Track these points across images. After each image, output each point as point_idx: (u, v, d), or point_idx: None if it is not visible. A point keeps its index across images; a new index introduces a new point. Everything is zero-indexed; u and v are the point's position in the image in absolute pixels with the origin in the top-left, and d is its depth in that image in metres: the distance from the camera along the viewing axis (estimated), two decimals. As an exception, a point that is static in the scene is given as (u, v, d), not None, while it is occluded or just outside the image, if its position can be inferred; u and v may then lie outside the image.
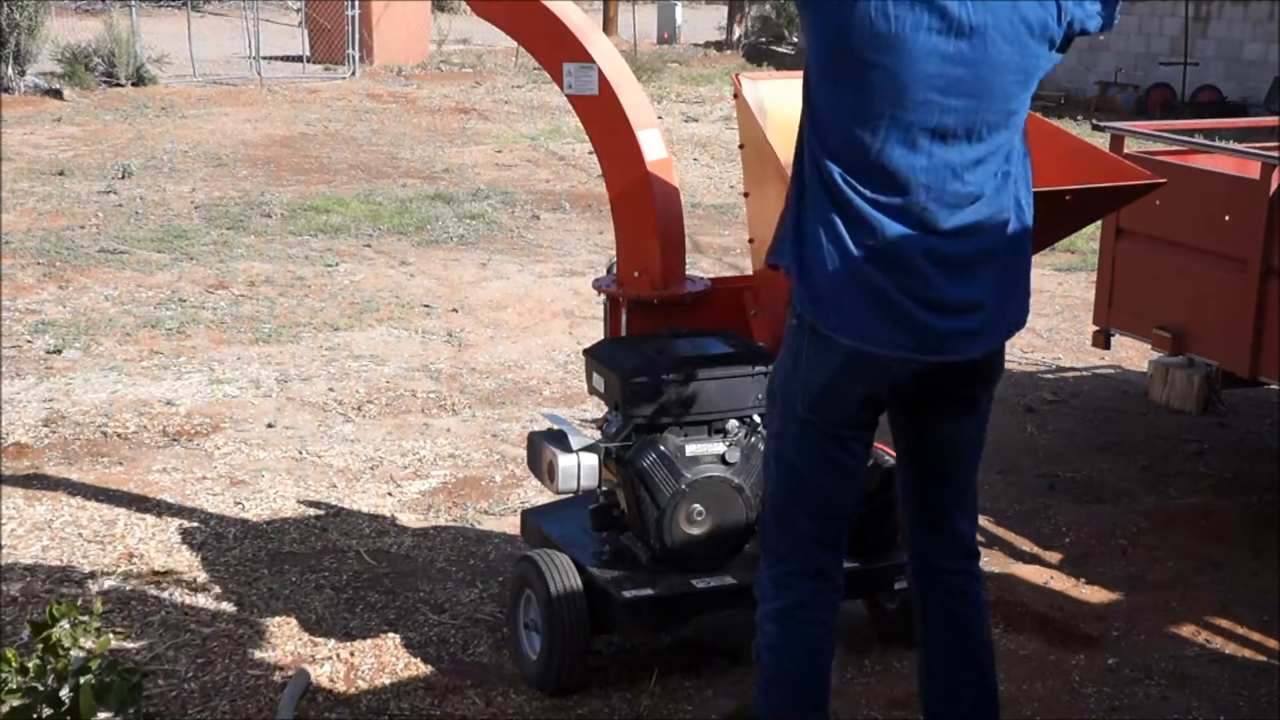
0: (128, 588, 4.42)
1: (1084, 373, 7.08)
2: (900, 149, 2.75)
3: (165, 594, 4.39)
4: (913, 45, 2.70)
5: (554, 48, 4.01)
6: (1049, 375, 7.01)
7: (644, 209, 4.02)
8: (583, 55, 3.97)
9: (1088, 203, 3.60)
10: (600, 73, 3.96)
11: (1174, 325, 5.54)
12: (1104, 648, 4.21)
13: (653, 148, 4.01)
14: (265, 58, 19.46)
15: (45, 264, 8.59)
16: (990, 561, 4.68)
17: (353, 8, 19.81)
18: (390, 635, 4.16)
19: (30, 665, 2.76)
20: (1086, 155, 3.77)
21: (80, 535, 4.80)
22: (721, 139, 14.58)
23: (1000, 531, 5.05)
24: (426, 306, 7.94)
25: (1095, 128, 7.05)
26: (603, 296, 4.19)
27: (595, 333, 5.02)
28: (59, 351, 6.88)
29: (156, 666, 3.93)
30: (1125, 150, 5.71)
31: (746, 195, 4.11)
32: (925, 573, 3.14)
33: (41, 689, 2.75)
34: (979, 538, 3.20)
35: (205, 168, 12.30)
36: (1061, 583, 4.65)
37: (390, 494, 5.27)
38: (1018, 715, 3.77)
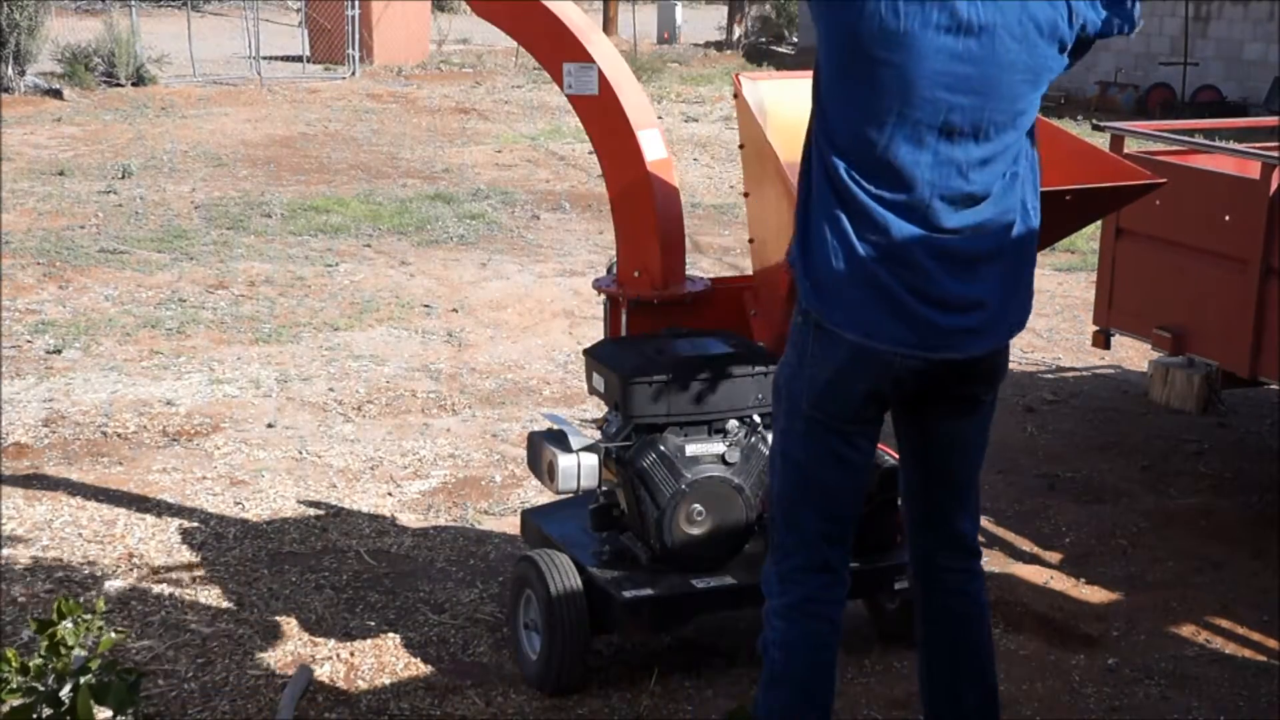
0: (128, 588, 4.42)
1: (1084, 373, 7.08)
2: (906, 146, 2.76)
3: (165, 594, 4.39)
4: (921, 42, 2.71)
5: (554, 48, 4.02)
6: (1049, 375, 7.02)
7: (644, 209, 4.02)
8: (583, 55, 3.97)
9: (1088, 203, 3.60)
10: (600, 73, 3.97)
11: (1174, 325, 5.54)
12: (1104, 648, 4.21)
13: (653, 148, 4.01)
14: (265, 58, 19.46)
15: (45, 264, 8.59)
16: (990, 561, 4.68)
17: (353, 8, 19.81)
18: (390, 635, 4.16)
19: (31, 665, 2.76)
20: (1086, 155, 3.77)
21: (80, 535, 4.80)
22: (721, 139, 14.58)
23: (1000, 531, 5.05)
24: (426, 306, 7.94)
25: (1095, 128, 7.05)
26: (603, 296, 4.19)
27: (595, 333, 5.02)
28: (59, 351, 6.88)
29: (156, 666, 3.93)
30: (1125, 150, 5.71)
31: (746, 195, 4.11)
32: (927, 572, 3.15)
33: (42, 689, 2.75)
34: (979, 538, 3.20)
35: (205, 168, 12.30)
36: (1061, 583, 4.65)
37: (390, 494, 5.27)
38: (1018, 715, 3.77)
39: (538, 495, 5.07)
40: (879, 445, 3.10)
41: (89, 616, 2.84)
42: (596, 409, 4.74)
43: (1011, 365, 3.25)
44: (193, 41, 18.92)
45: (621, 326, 4.10)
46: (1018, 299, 2.93)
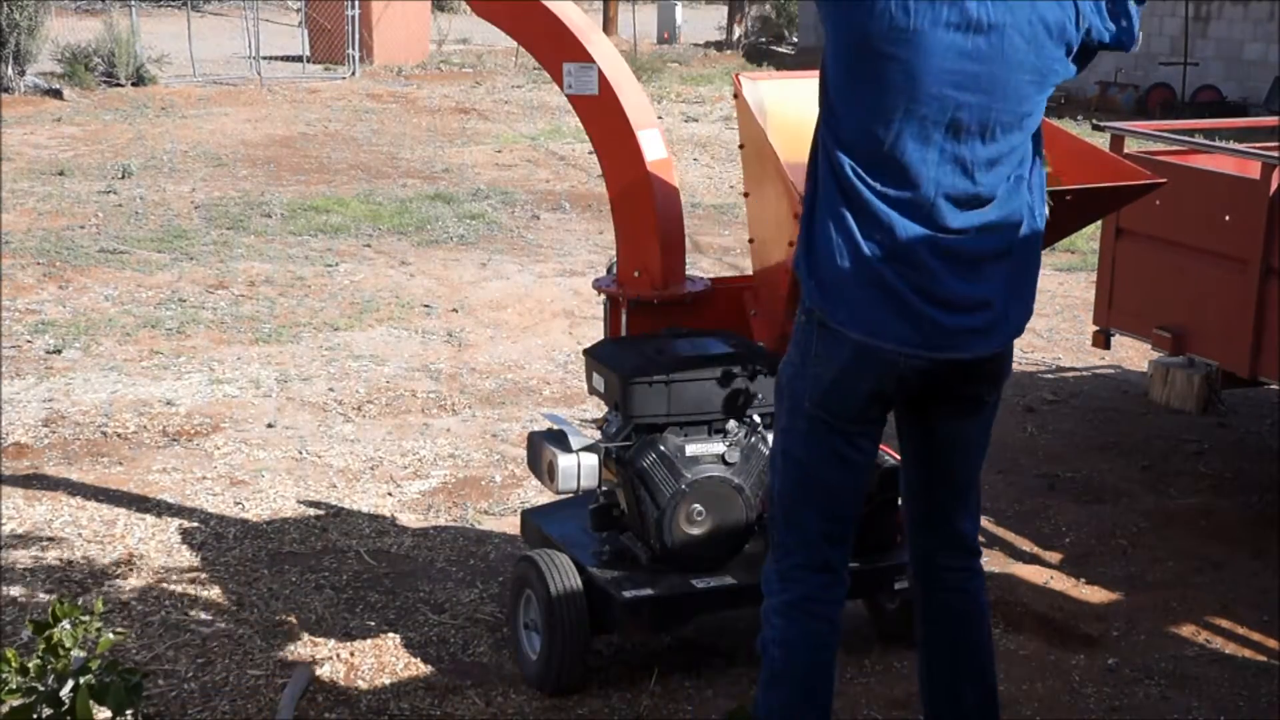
0: (128, 588, 4.42)
1: (1084, 373, 7.08)
2: (914, 143, 2.77)
3: (165, 594, 4.39)
4: (930, 40, 2.72)
5: (554, 48, 4.02)
6: (1049, 375, 7.01)
7: (644, 209, 4.02)
8: (583, 55, 3.97)
9: (1088, 203, 3.60)
10: (600, 73, 3.97)
11: (1174, 325, 5.54)
12: (1104, 648, 4.21)
13: (653, 148, 4.01)
14: (265, 58, 19.46)
15: (45, 264, 8.59)
16: (990, 561, 4.68)
17: (353, 8, 19.80)
18: (390, 635, 4.16)
19: (30, 665, 2.76)
20: (1086, 155, 3.77)
21: (80, 535, 4.80)
22: (721, 139, 14.58)
23: (1000, 531, 5.05)
24: (426, 306, 7.94)
25: (1095, 128, 7.05)
26: (603, 296, 4.19)
27: (595, 333, 5.02)
28: (59, 351, 6.88)
29: (156, 666, 3.93)
30: (1125, 150, 5.71)
31: (746, 195, 4.11)
32: (927, 571, 3.15)
33: (42, 689, 2.75)
34: (979, 537, 3.21)
35: (205, 168, 12.30)
36: (1061, 583, 4.65)
37: (390, 494, 5.27)
38: (1018, 715, 3.77)
39: (538, 495, 5.07)
40: (880, 445, 3.11)
41: (87, 618, 2.84)
42: (596, 409, 4.74)
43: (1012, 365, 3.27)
44: (193, 41, 18.91)
45: (621, 326, 4.10)
46: (1021, 300, 2.94)
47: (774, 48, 25.51)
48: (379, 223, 10.16)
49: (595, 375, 3.96)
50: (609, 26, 25.44)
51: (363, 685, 3.89)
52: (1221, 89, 17.91)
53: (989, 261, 2.84)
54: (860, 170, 2.80)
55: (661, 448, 3.73)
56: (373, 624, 4.23)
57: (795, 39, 25.76)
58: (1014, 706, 3.78)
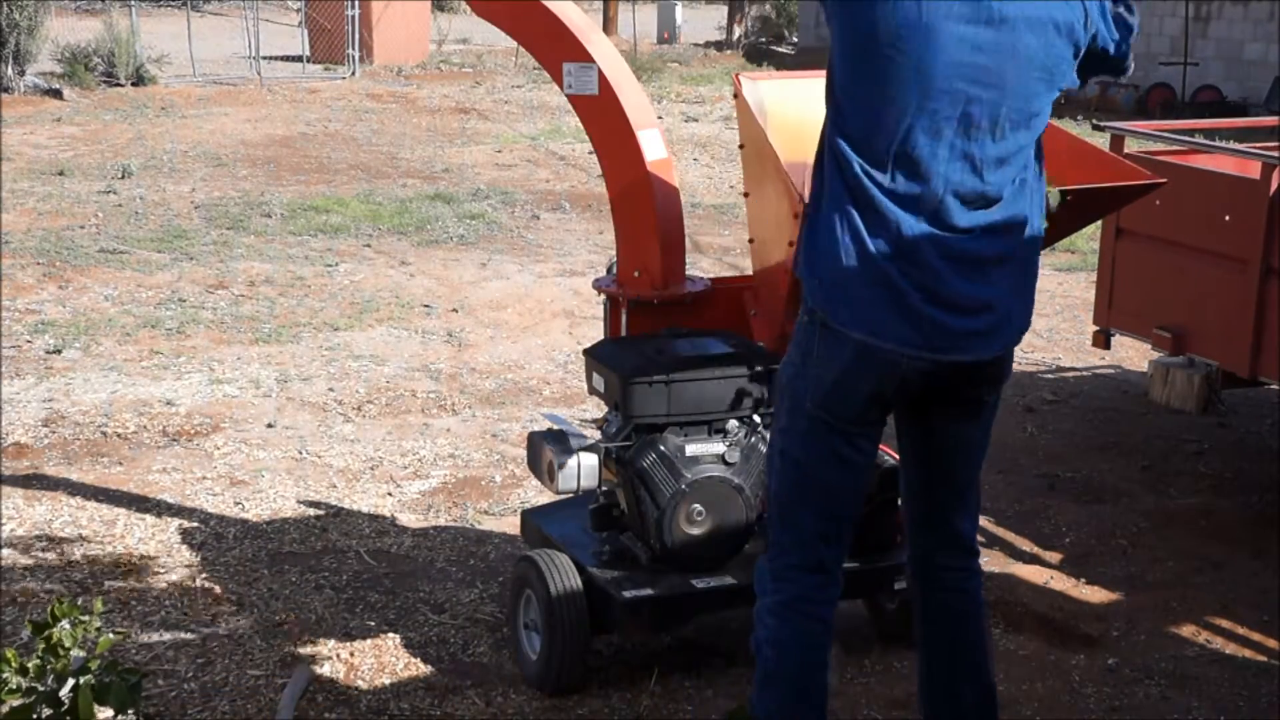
0: (127, 588, 4.42)
1: (1084, 373, 7.08)
2: (925, 137, 2.76)
3: (165, 594, 4.39)
4: (941, 34, 2.72)
5: (554, 48, 4.01)
6: (1049, 375, 7.01)
7: (644, 209, 4.02)
8: (583, 55, 3.97)
9: (1088, 203, 3.60)
10: (600, 73, 3.97)
11: (1174, 325, 5.53)
12: (1104, 648, 4.21)
13: (653, 148, 4.01)
14: (265, 58, 19.45)
15: (45, 264, 8.59)
16: (990, 561, 4.68)
17: (353, 8, 19.79)
18: (390, 635, 4.16)
19: (30, 665, 2.76)
20: (1086, 155, 3.77)
21: (80, 535, 4.80)
22: (721, 139, 14.58)
23: (1000, 531, 5.05)
24: (426, 306, 7.94)
25: (1095, 128, 7.04)
26: (603, 296, 4.19)
27: (595, 333, 5.02)
28: (59, 351, 6.88)
29: (156, 666, 3.93)
30: (1125, 150, 5.71)
31: (746, 195, 4.11)
32: (925, 571, 3.15)
33: (41, 689, 2.75)
34: (979, 538, 3.21)
35: (205, 168, 12.29)
36: (1061, 583, 4.65)
37: (390, 494, 5.27)
38: (1018, 715, 3.77)
39: (538, 495, 5.07)
40: (880, 445, 3.11)
41: (87, 618, 2.84)
42: (596, 409, 4.74)
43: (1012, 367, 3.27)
44: (193, 41, 18.90)
45: (621, 326, 4.10)
46: (1023, 303, 2.94)
47: (774, 48, 25.50)
48: (379, 223, 10.16)
49: (595, 375, 3.96)
50: (609, 26, 25.43)
51: (363, 685, 3.89)
52: (1221, 89, 17.91)
53: (993, 264, 2.84)
54: (868, 167, 2.79)
55: (661, 448, 3.73)
56: (373, 624, 4.23)
57: (795, 39, 25.75)
58: (1014, 706, 3.78)
